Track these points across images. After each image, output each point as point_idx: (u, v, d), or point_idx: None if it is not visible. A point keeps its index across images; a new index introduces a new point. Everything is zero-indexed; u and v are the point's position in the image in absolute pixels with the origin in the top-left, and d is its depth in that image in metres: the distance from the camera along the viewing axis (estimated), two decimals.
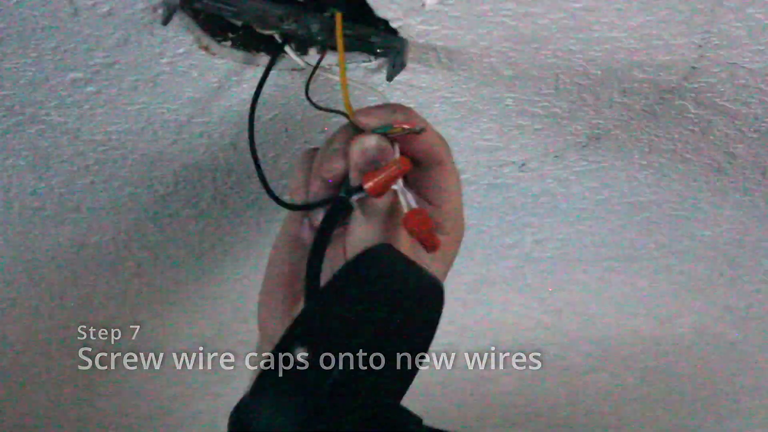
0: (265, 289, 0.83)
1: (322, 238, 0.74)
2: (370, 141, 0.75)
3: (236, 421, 0.66)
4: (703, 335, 1.32)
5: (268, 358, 0.65)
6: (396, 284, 0.69)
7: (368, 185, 0.74)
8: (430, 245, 0.74)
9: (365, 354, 0.66)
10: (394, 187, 0.74)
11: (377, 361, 0.69)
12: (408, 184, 0.76)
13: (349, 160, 0.75)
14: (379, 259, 0.71)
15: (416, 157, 0.76)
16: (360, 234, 0.77)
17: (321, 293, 0.69)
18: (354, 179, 0.75)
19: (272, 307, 0.82)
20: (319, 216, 0.78)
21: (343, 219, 0.77)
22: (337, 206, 0.75)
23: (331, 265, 0.77)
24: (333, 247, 0.77)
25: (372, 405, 0.70)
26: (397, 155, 0.75)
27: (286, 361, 0.65)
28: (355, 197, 0.75)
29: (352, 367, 0.65)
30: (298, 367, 0.64)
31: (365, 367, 0.68)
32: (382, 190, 0.74)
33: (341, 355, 0.65)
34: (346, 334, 0.65)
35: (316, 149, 0.80)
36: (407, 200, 0.74)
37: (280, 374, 0.65)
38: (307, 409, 0.64)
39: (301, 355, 0.65)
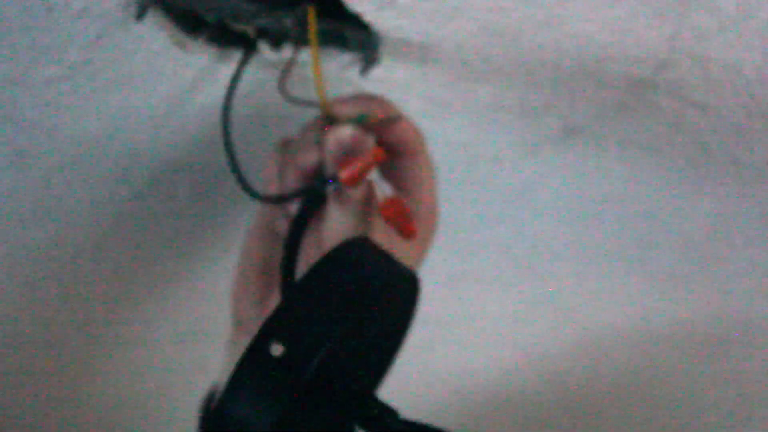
0: (239, 279, 0.83)
1: (297, 229, 0.74)
2: (345, 131, 0.75)
3: (210, 415, 0.67)
4: (680, 328, 1.33)
5: (245, 353, 0.66)
6: (372, 277, 0.70)
7: (343, 175, 0.74)
8: (407, 233, 0.75)
9: (342, 347, 0.67)
10: (369, 177, 0.74)
11: (354, 354, 0.70)
12: (383, 174, 0.77)
13: (323, 150, 0.75)
14: (355, 251, 0.71)
15: (391, 147, 0.77)
16: (335, 225, 0.77)
17: (296, 287, 0.70)
18: (329, 169, 0.75)
19: (247, 296, 0.82)
20: (294, 207, 0.78)
21: (317, 210, 0.77)
22: (312, 197, 0.76)
23: (306, 257, 0.77)
24: (308, 239, 0.78)
25: (348, 398, 0.70)
26: (372, 145, 0.75)
27: (262, 356, 0.65)
28: (330, 187, 0.75)
29: (329, 361, 0.66)
30: (275, 363, 0.65)
31: (341, 361, 0.68)
32: (357, 179, 0.74)
33: (319, 350, 0.65)
34: (322, 328, 0.66)
35: (289, 140, 0.80)
36: (382, 189, 0.74)
37: (257, 369, 0.65)
38: (284, 404, 0.65)
39: (277, 350, 0.65)
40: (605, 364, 1.48)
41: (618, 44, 0.82)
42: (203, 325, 1.28)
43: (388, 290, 0.71)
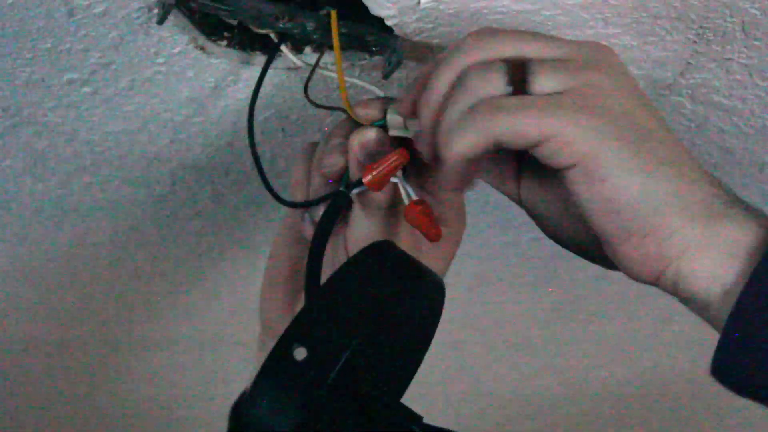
0: (266, 284, 0.83)
1: (322, 234, 0.74)
2: (369, 134, 0.74)
3: (235, 418, 0.67)
4: (705, 332, 1.32)
5: (268, 356, 0.66)
6: (396, 282, 0.69)
7: (367, 178, 0.73)
8: (431, 236, 0.74)
9: (365, 352, 0.67)
10: (394, 179, 0.74)
11: (377, 359, 0.69)
12: (409, 176, 0.76)
13: (347, 154, 0.75)
14: (379, 255, 0.71)
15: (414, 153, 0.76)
16: (361, 229, 0.77)
17: (321, 291, 0.70)
18: (353, 173, 0.75)
19: (274, 301, 0.82)
20: (320, 212, 0.78)
21: (343, 214, 0.77)
22: (337, 201, 0.75)
23: (332, 262, 0.77)
24: (333, 243, 0.77)
25: (372, 403, 0.70)
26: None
27: (285, 359, 0.65)
28: (354, 191, 0.75)
29: (351, 365, 0.65)
30: (298, 366, 0.65)
31: (365, 365, 0.68)
32: (381, 182, 0.73)
33: (341, 354, 0.65)
34: (345, 332, 0.65)
35: (315, 144, 0.80)
36: (408, 192, 0.74)
37: (279, 373, 0.65)
38: (305, 408, 0.65)
39: (300, 354, 0.65)
40: (628, 368, 1.48)
41: (641, 47, 0.82)
42: (223, 330, 1.28)
43: (413, 295, 0.71)
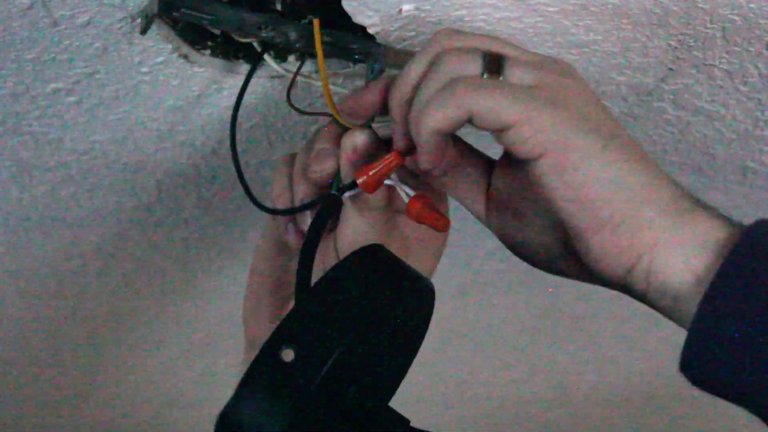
0: (250, 296, 0.82)
1: (314, 237, 0.74)
2: (362, 136, 0.74)
3: (221, 420, 0.67)
4: None
5: (255, 357, 0.66)
6: (387, 285, 0.69)
7: (361, 180, 0.72)
8: (441, 226, 0.73)
9: (354, 354, 0.67)
10: (388, 182, 0.74)
11: (366, 362, 0.70)
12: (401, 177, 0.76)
13: (338, 158, 0.75)
14: (370, 259, 0.71)
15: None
16: (352, 232, 0.77)
17: (310, 293, 0.69)
18: (346, 176, 0.75)
19: (259, 313, 0.81)
20: (305, 219, 0.77)
21: (333, 218, 0.77)
22: (329, 204, 0.75)
23: (322, 266, 0.77)
24: (323, 247, 0.77)
25: (359, 406, 0.70)
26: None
27: (272, 361, 0.65)
28: (347, 194, 0.75)
29: (340, 368, 0.66)
30: (285, 368, 0.65)
31: (353, 368, 0.68)
32: (376, 184, 0.73)
33: (329, 356, 0.65)
34: (334, 335, 0.65)
35: (293, 154, 0.79)
36: (405, 191, 0.73)
37: (266, 374, 0.65)
38: (292, 410, 0.65)
39: (288, 355, 0.65)
40: (616, 371, 1.48)
41: (623, 54, 0.82)
42: (212, 335, 1.28)
43: (403, 299, 0.71)
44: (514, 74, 0.66)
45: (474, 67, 0.66)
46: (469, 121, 0.65)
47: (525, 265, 1.20)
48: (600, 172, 0.64)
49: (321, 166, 0.76)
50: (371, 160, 0.73)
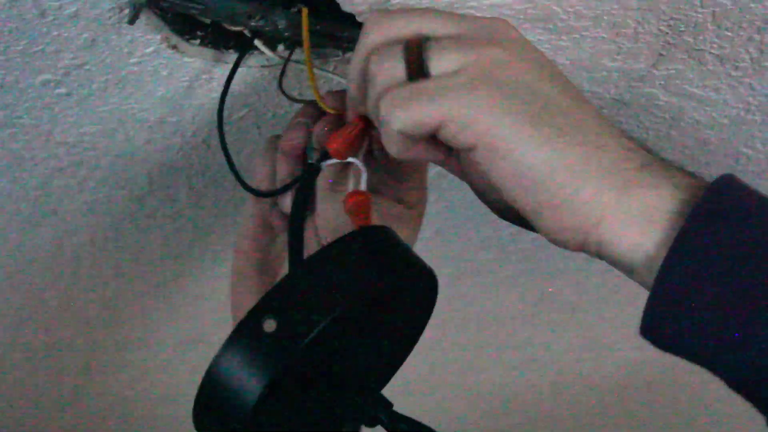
0: (236, 278, 0.83)
1: (299, 209, 0.74)
2: (332, 118, 0.76)
3: (202, 385, 0.67)
4: None
5: (237, 325, 0.66)
6: (385, 268, 0.69)
7: (333, 147, 0.73)
8: (356, 224, 0.74)
9: (343, 331, 0.67)
10: (355, 161, 0.74)
11: (356, 341, 0.70)
12: (376, 159, 0.77)
13: (312, 133, 0.77)
14: (372, 240, 0.71)
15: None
16: (329, 214, 0.77)
17: (302, 266, 0.70)
18: (317, 142, 0.76)
19: (244, 290, 0.82)
20: (286, 200, 0.78)
21: (310, 202, 0.77)
22: (309, 174, 0.76)
23: (304, 245, 0.77)
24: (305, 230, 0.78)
25: (342, 383, 0.70)
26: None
27: (253, 330, 0.65)
28: (326, 163, 0.75)
29: (324, 342, 0.65)
30: (265, 337, 0.65)
31: (340, 346, 0.68)
32: (347, 150, 0.74)
33: (312, 329, 0.65)
34: (320, 308, 0.65)
35: (278, 136, 0.80)
36: (359, 179, 0.74)
37: (245, 343, 0.65)
38: (269, 380, 0.65)
39: (270, 326, 0.65)
40: (610, 361, 1.48)
41: (613, 39, 0.82)
42: (205, 328, 1.28)
43: (401, 284, 0.70)
44: (434, 64, 0.66)
45: (393, 72, 0.67)
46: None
47: (519, 255, 1.20)
48: (531, 156, 0.64)
49: (292, 134, 0.78)
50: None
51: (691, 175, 0.65)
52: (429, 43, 0.66)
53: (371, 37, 0.69)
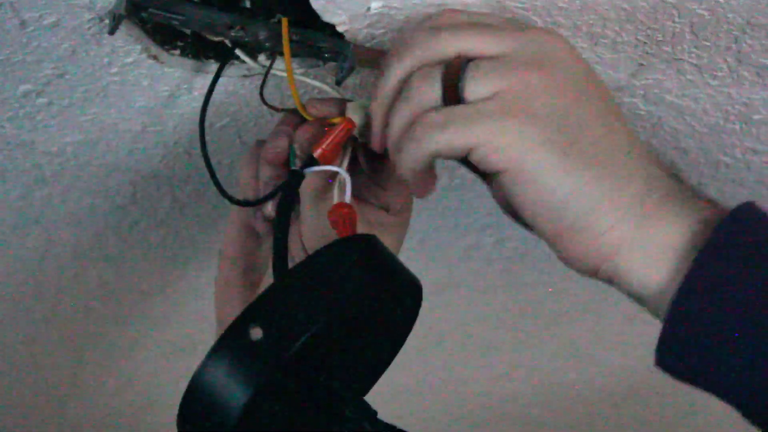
0: (221, 284, 0.84)
1: (283, 217, 0.74)
2: (312, 126, 0.77)
3: (187, 392, 0.67)
4: None
5: (223, 333, 0.66)
6: (371, 276, 0.70)
7: (317, 152, 0.74)
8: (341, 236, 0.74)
9: (328, 340, 0.67)
10: (339, 171, 0.75)
11: (341, 350, 0.70)
12: (360, 168, 0.77)
13: (292, 137, 0.77)
14: (358, 248, 0.71)
15: (366, 145, 0.77)
16: (314, 221, 0.78)
17: (288, 274, 0.70)
18: (300, 149, 0.77)
19: (229, 296, 0.83)
20: (269, 205, 0.79)
21: (294, 210, 0.77)
22: (293, 181, 0.76)
23: (289, 252, 0.78)
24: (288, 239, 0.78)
25: (327, 392, 0.70)
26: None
27: (239, 338, 0.66)
28: (310, 170, 0.75)
29: (310, 351, 0.66)
30: (251, 346, 0.65)
31: (326, 354, 0.68)
32: (332, 155, 0.75)
33: (299, 338, 0.65)
34: (306, 317, 0.66)
35: (262, 142, 0.81)
36: (343, 191, 0.74)
37: (232, 351, 0.66)
38: (254, 389, 0.65)
39: (256, 334, 0.65)
40: (595, 368, 1.48)
41: (592, 49, 0.82)
42: (190, 336, 1.28)
43: (387, 291, 0.71)
44: (470, 89, 0.68)
45: (431, 96, 0.69)
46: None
47: (502, 264, 1.20)
48: (557, 184, 0.66)
49: (275, 143, 0.79)
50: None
51: (713, 203, 0.67)
52: (468, 67, 0.68)
53: (416, 53, 0.70)
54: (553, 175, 0.66)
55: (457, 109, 0.68)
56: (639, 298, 0.66)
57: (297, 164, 0.76)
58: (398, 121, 0.70)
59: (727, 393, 0.63)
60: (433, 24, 0.72)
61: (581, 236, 0.66)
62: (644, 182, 0.66)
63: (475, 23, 0.71)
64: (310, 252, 0.77)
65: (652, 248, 0.65)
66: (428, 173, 0.72)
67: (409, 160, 0.69)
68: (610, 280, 0.67)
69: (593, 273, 0.67)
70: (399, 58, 0.71)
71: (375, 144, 0.74)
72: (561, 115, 0.67)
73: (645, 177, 0.67)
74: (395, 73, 0.71)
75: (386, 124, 0.72)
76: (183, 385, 0.67)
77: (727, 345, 0.62)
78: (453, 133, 0.67)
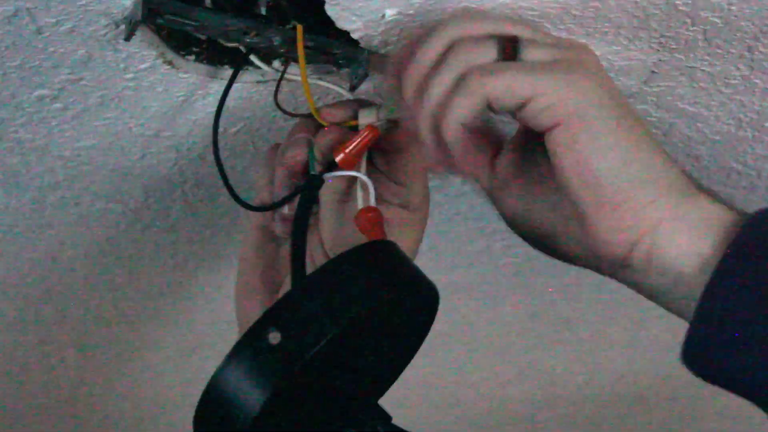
0: (241, 290, 0.83)
1: (301, 222, 0.74)
2: (337, 134, 0.77)
3: (205, 393, 0.67)
4: (679, 332, 1.33)
5: (242, 336, 0.67)
6: (389, 282, 0.70)
7: (339, 157, 0.75)
8: (370, 239, 0.75)
9: (345, 345, 0.67)
10: (360, 176, 0.75)
11: (358, 355, 0.70)
12: (376, 167, 0.78)
13: (312, 145, 0.77)
14: (376, 254, 0.71)
15: (388, 142, 0.77)
16: (334, 226, 0.78)
17: (307, 279, 0.70)
18: (321, 155, 0.77)
19: (252, 299, 0.82)
20: (287, 207, 0.79)
21: (313, 214, 0.78)
22: (312, 186, 0.76)
23: (311, 262, 0.78)
24: (309, 243, 0.78)
25: (344, 397, 0.71)
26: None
27: (258, 342, 0.66)
28: (331, 174, 0.76)
29: (328, 356, 0.66)
30: (270, 349, 0.65)
31: (343, 359, 0.69)
32: (353, 160, 0.75)
33: (317, 343, 0.65)
34: (325, 322, 0.66)
35: (278, 145, 0.81)
36: (366, 195, 0.75)
37: (251, 353, 0.66)
38: (271, 391, 0.65)
39: (275, 338, 0.65)
40: (604, 372, 1.48)
41: (605, 57, 0.83)
42: (201, 338, 1.28)
43: (404, 298, 0.71)
44: (530, 54, 0.67)
45: (489, 53, 0.67)
46: (490, 107, 0.66)
47: (511, 268, 1.21)
48: (610, 147, 0.65)
49: (294, 149, 0.78)
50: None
51: (737, 209, 0.66)
52: (523, 39, 0.67)
53: (462, 26, 0.68)
54: (608, 136, 0.65)
55: (521, 62, 0.66)
56: (677, 275, 0.64)
57: (317, 168, 0.77)
58: (449, 74, 0.67)
59: (756, 392, 0.62)
60: (474, 12, 0.72)
61: (623, 207, 0.65)
62: (681, 170, 0.67)
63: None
64: (332, 255, 0.77)
65: (697, 222, 0.64)
66: (476, 136, 0.69)
67: (461, 107, 0.66)
68: (647, 257, 0.65)
69: (629, 250, 0.65)
70: (443, 29, 0.69)
71: (409, 113, 0.70)
72: (613, 92, 0.67)
73: (681, 171, 0.67)
74: (439, 40, 0.68)
75: (420, 92, 0.69)
76: (192, 387, 0.68)
77: (764, 341, 0.61)
78: (513, 79, 0.65)
